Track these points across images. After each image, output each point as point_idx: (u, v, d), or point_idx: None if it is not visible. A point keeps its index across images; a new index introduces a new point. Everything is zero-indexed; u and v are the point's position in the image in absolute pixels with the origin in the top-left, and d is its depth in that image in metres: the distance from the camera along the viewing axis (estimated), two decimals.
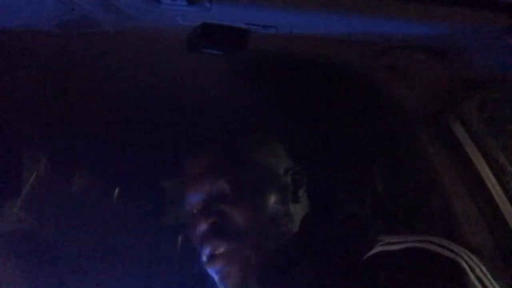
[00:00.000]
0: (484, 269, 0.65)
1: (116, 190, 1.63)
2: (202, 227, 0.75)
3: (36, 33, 0.73)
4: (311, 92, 1.05)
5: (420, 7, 0.58)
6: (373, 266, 0.69)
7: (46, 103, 1.06)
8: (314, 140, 1.19)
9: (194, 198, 0.79)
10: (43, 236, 1.25)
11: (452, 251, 0.66)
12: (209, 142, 0.82)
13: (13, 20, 0.68)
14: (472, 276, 0.63)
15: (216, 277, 0.75)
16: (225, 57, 0.73)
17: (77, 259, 1.28)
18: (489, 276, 0.65)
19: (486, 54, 0.75)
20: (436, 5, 0.58)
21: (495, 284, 0.65)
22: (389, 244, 0.70)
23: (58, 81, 0.96)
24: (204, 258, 0.76)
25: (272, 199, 0.76)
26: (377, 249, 0.70)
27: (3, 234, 1.18)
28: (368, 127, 1.23)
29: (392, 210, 1.28)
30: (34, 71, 0.91)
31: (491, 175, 1.04)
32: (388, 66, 0.89)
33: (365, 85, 0.99)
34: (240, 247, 0.73)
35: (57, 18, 0.65)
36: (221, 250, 0.74)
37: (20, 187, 1.26)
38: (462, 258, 0.65)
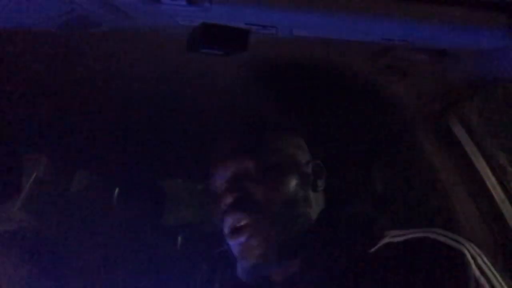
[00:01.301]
0: (486, 259, 0.67)
1: (116, 190, 1.63)
2: (227, 200, 0.78)
3: (36, 33, 0.73)
4: (310, 92, 1.05)
5: (420, 7, 0.58)
6: (380, 257, 0.72)
7: (47, 103, 1.06)
8: (314, 139, 1.19)
9: (220, 177, 0.82)
10: (43, 236, 1.25)
11: (455, 240, 0.68)
12: (231, 129, 0.86)
13: (13, 20, 0.68)
14: (473, 265, 0.66)
15: (237, 252, 0.78)
16: (225, 57, 0.73)
17: (77, 259, 1.28)
18: (490, 265, 0.67)
19: (486, 54, 0.75)
20: (436, 5, 0.58)
21: (495, 272, 0.67)
22: (394, 236, 0.73)
23: (58, 81, 0.96)
24: (226, 230, 0.78)
25: (293, 182, 0.80)
26: (384, 241, 0.74)
27: (3, 234, 1.18)
28: (368, 127, 1.23)
29: (393, 210, 1.28)
30: (34, 71, 0.91)
31: (491, 175, 1.04)
32: (388, 66, 0.89)
33: (365, 85, 0.99)
34: (262, 221, 0.76)
35: (57, 18, 0.65)
36: (243, 223, 0.77)
37: (20, 187, 1.26)
38: (465, 247, 0.67)
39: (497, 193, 1.02)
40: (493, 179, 1.03)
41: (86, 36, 0.74)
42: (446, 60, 0.81)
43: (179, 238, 1.61)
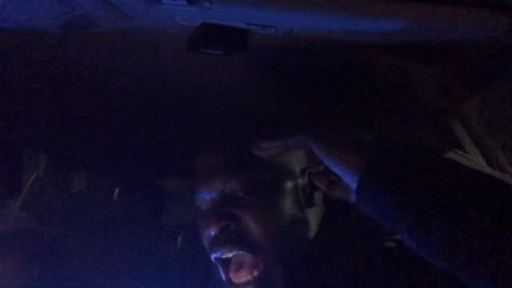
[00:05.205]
0: None
1: (116, 190, 1.63)
2: (212, 229, 0.73)
3: (36, 33, 0.73)
4: (310, 93, 1.05)
5: (419, 7, 0.58)
6: (386, 264, 0.68)
7: (46, 103, 1.06)
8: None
9: (205, 195, 0.76)
10: (43, 236, 1.25)
11: None
12: (218, 142, 0.80)
13: (13, 20, 0.68)
14: None
15: None
16: (226, 57, 0.73)
17: (77, 259, 1.28)
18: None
19: (486, 54, 0.75)
20: (436, 5, 0.58)
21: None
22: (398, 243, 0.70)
23: (58, 81, 0.96)
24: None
25: (287, 203, 0.74)
26: (387, 243, 0.70)
27: (3, 234, 1.19)
28: (368, 127, 1.23)
29: None
30: (34, 71, 0.91)
31: None
32: (388, 66, 0.89)
33: (364, 85, 0.99)
34: (253, 253, 0.71)
35: (57, 18, 0.65)
36: (230, 255, 0.72)
37: (20, 187, 1.26)
38: None
39: None
40: None
41: (86, 36, 0.74)
42: (446, 60, 0.81)
43: (179, 238, 1.61)
